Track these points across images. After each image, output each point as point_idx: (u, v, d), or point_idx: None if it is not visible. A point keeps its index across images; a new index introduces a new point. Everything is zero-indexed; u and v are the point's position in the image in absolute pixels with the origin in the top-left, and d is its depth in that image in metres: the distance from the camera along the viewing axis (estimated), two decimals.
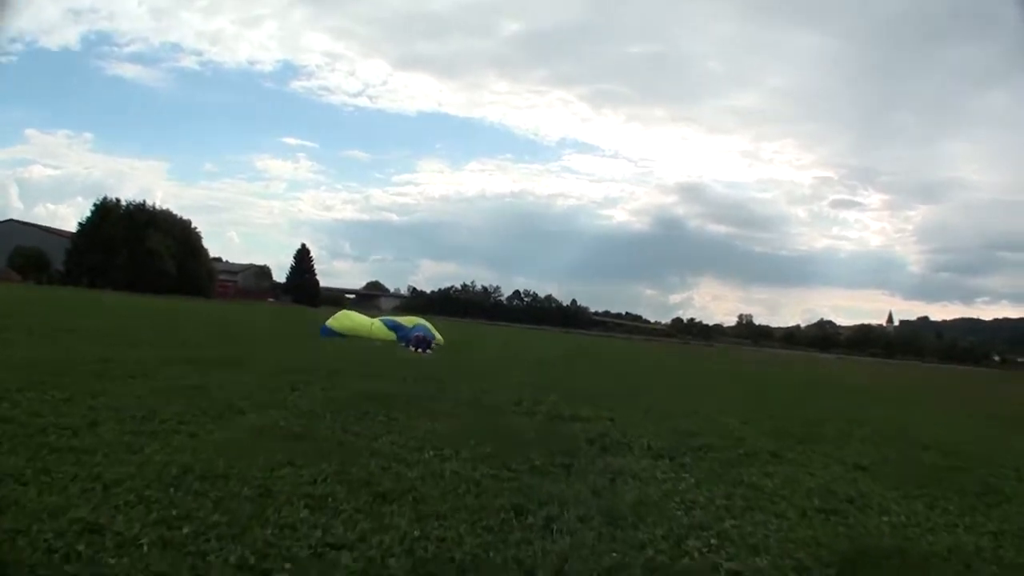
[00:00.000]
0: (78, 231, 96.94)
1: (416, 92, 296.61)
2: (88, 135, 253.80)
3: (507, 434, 10.83)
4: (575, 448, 10.17)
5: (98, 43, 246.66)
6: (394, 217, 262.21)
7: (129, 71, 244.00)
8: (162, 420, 9.25)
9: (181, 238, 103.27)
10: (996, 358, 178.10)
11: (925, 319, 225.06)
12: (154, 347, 19.38)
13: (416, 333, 31.84)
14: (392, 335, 32.77)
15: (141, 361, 15.37)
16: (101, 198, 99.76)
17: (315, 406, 11.62)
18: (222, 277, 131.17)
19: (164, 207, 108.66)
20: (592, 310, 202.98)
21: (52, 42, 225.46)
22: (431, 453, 8.91)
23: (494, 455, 9.06)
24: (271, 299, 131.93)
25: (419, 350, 28.78)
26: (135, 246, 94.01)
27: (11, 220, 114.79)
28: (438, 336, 33.04)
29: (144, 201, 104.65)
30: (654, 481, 8.70)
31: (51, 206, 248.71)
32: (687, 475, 9.21)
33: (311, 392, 13.54)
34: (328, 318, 36.01)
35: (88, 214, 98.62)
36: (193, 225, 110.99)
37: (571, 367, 30.12)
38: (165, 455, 7.48)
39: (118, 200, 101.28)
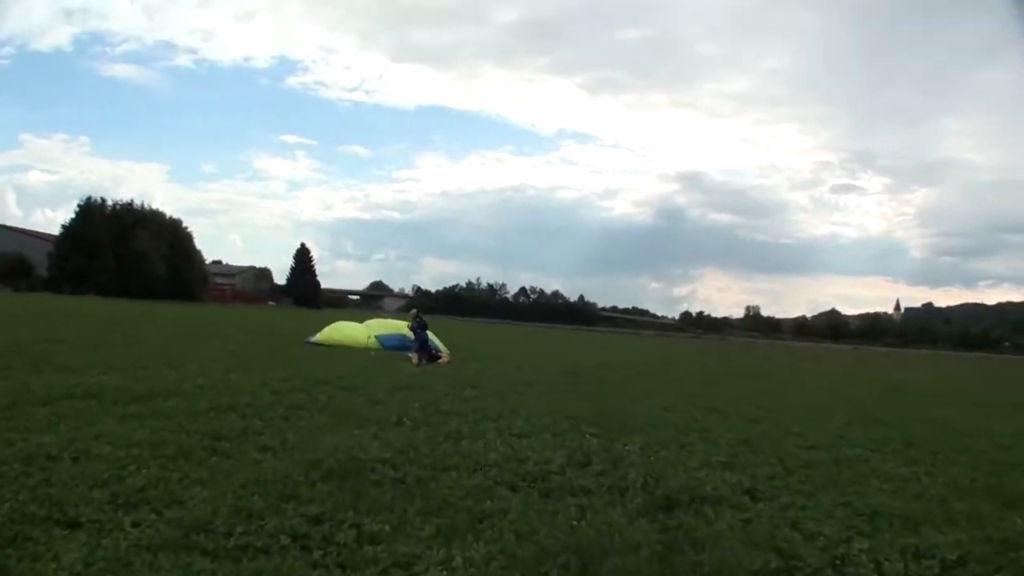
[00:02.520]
0: (61, 234, 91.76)
1: (413, 85, 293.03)
2: (84, 138, 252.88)
3: None
4: None
5: (91, 43, 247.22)
6: (395, 215, 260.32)
7: (123, 71, 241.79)
8: None
9: (172, 239, 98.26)
10: (1007, 344, 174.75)
11: (929, 305, 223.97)
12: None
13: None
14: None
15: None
16: (85, 198, 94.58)
17: None
18: (219, 280, 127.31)
19: (163, 210, 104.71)
20: (599, 306, 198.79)
21: (44, 43, 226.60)
22: None
23: None
24: (271, 302, 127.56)
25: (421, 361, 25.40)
26: (121, 248, 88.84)
27: None
28: (442, 347, 28.95)
29: (132, 201, 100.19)
30: None
31: (50, 212, 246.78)
32: None
33: None
34: (323, 323, 33.82)
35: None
36: (184, 225, 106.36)
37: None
38: None
39: (103, 200, 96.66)
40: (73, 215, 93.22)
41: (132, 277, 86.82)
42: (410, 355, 25.95)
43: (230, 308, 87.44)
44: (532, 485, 8.68)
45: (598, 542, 6.71)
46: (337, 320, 35.02)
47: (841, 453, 12.38)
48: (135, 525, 6.39)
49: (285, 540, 6.28)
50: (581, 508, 7.82)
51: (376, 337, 30.53)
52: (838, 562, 6.80)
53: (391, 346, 29.59)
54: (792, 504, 8.61)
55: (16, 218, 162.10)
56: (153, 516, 6.62)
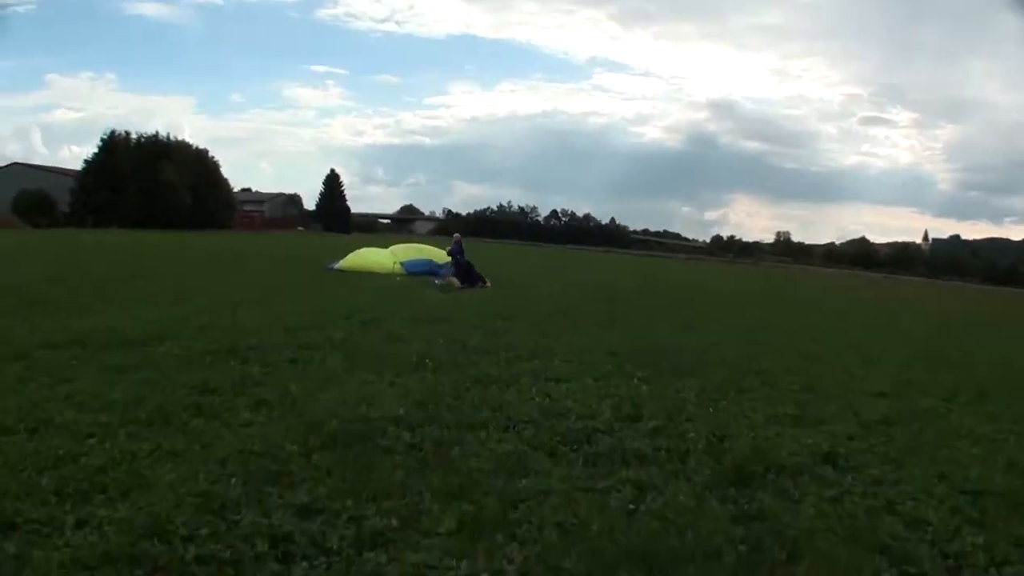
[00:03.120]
0: (83, 169, 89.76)
1: (443, 15, 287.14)
2: (111, 75, 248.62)
3: None
4: None
5: None
6: (426, 140, 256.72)
7: (150, 9, 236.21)
8: None
9: (198, 169, 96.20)
10: None
11: (956, 237, 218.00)
12: None
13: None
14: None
15: None
16: (109, 132, 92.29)
17: None
18: (248, 207, 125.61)
19: (190, 141, 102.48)
20: (631, 228, 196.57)
21: None
22: None
23: None
24: (300, 227, 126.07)
25: (465, 285, 25.01)
26: (146, 180, 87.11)
27: (15, 163, 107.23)
28: None
29: (156, 133, 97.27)
30: None
31: (76, 148, 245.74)
32: None
33: None
34: (351, 248, 32.76)
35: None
36: (211, 155, 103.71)
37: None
38: None
39: (128, 133, 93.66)
40: (96, 150, 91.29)
41: (157, 208, 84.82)
42: (448, 279, 25.00)
43: (257, 235, 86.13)
44: (575, 450, 7.17)
45: (666, 543, 5.21)
46: (364, 245, 33.76)
47: (916, 404, 10.78)
48: (79, 525, 4.92)
49: (262, 545, 4.78)
50: (637, 485, 6.33)
51: (401, 263, 29.14)
52: (951, 561, 5.35)
53: (417, 271, 28.27)
54: (882, 477, 7.06)
55: (42, 156, 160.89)
56: (103, 511, 5.13)
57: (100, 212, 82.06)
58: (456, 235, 28.41)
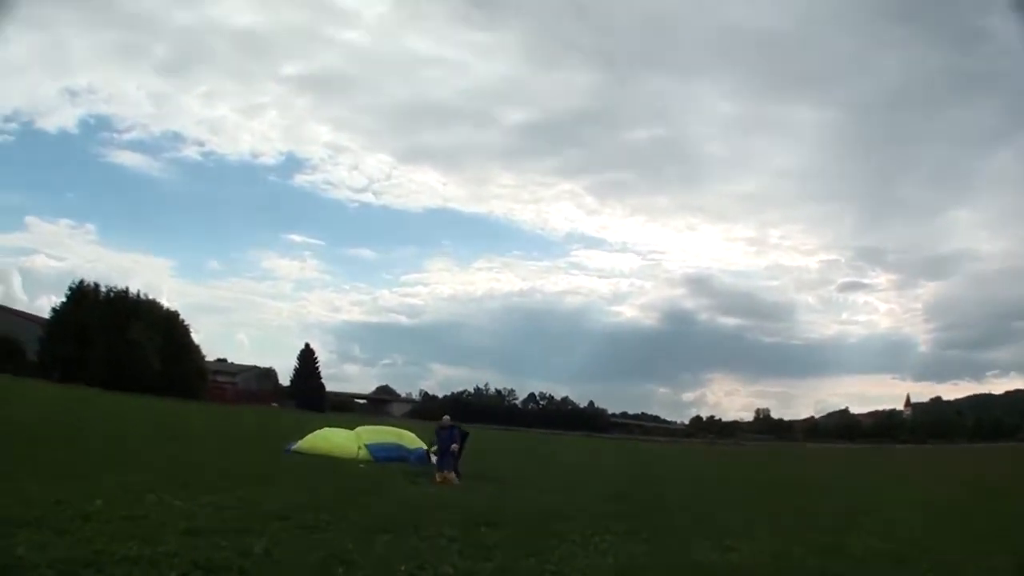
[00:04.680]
0: (51, 318, 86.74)
1: (421, 187, 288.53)
2: (90, 226, 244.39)
3: None
4: None
5: (97, 128, 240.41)
6: (403, 319, 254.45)
7: (130, 159, 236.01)
8: None
9: (167, 332, 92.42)
10: None
11: (938, 399, 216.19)
12: None
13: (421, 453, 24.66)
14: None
15: None
16: (78, 282, 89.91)
17: None
18: (221, 379, 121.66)
19: (168, 304, 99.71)
20: (609, 411, 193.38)
21: (50, 124, 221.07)
22: None
23: None
24: (274, 404, 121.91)
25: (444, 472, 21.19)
26: (114, 337, 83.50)
27: None
28: None
29: (127, 288, 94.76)
30: None
31: (55, 298, 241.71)
32: None
33: None
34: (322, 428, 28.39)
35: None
36: (181, 318, 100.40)
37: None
38: None
39: (97, 285, 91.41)
40: (64, 299, 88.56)
41: (125, 368, 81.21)
42: (446, 475, 20.78)
43: (228, 408, 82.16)
44: None
45: None
46: (341, 424, 30.18)
47: None
48: None
49: None
50: None
51: (367, 446, 25.50)
52: None
53: (384, 457, 24.72)
54: None
55: (23, 302, 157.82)
56: None
57: (68, 365, 78.38)
58: (445, 417, 23.38)
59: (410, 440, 26.17)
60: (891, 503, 23.64)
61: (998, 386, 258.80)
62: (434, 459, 23.50)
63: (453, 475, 20.77)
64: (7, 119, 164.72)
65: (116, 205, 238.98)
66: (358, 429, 27.29)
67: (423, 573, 8.92)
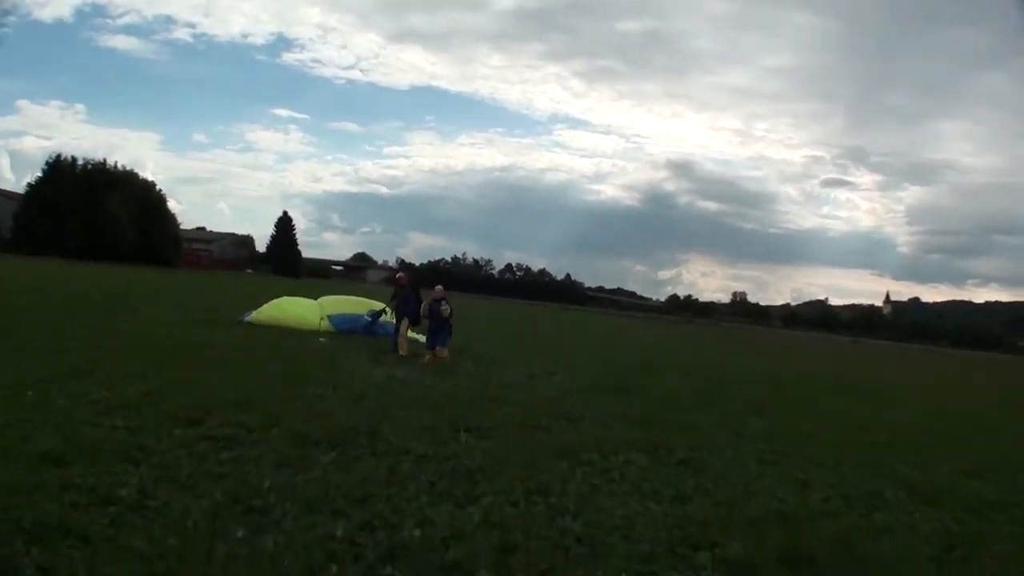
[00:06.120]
0: (27, 193, 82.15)
1: (408, 66, 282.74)
2: (80, 106, 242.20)
3: None
4: None
5: (92, 15, 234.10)
6: (383, 190, 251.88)
7: (122, 43, 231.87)
8: None
9: (144, 203, 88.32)
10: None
11: (916, 300, 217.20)
12: None
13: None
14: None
15: None
16: (54, 156, 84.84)
17: None
18: (198, 246, 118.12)
19: (153, 178, 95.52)
20: (585, 285, 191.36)
21: (47, 14, 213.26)
22: None
23: None
24: (249, 270, 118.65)
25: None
26: (89, 210, 79.61)
27: None
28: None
29: (104, 160, 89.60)
30: None
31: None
32: None
33: None
34: (299, 294, 26.98)
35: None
36: (158, 188, 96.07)
37: None
38: None
39: (74, 159, 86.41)
40: (40, 174, 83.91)
41: (100, 240, 77.79)
42: (438, 352, 17.77)
43: (201, 274, 78.99)
44: None
45: None
46: (321, 292, 27.97)
47: None
48: None
49: None
50: None
51: (329, 317, 22.48)
52: None
53: (347, 330, 21.91)
54: None
55: (9, 183, 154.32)
56: None
57: (41, 239, 74.55)
58: (438, 287, 19.19)
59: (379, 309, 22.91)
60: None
61: (978, 295, 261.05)
62: (383, 319, 21.58)
63: (446, 352, 17.81)
64: (5, 12, 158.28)
65: (107, 86, 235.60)
66: (321, 299, 24.12)
67: (377, 534, 5.78)
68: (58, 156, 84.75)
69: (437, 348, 17.70)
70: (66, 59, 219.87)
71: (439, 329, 18.04)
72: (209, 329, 19.51)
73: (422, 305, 18.64)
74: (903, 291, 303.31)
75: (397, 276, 21.55)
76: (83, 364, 11.66)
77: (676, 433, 11.27)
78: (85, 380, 10.47)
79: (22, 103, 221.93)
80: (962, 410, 22.72)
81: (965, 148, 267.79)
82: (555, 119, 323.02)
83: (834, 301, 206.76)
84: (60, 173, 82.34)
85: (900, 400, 23.16)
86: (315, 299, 24.27)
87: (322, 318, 22.15)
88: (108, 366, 11.75)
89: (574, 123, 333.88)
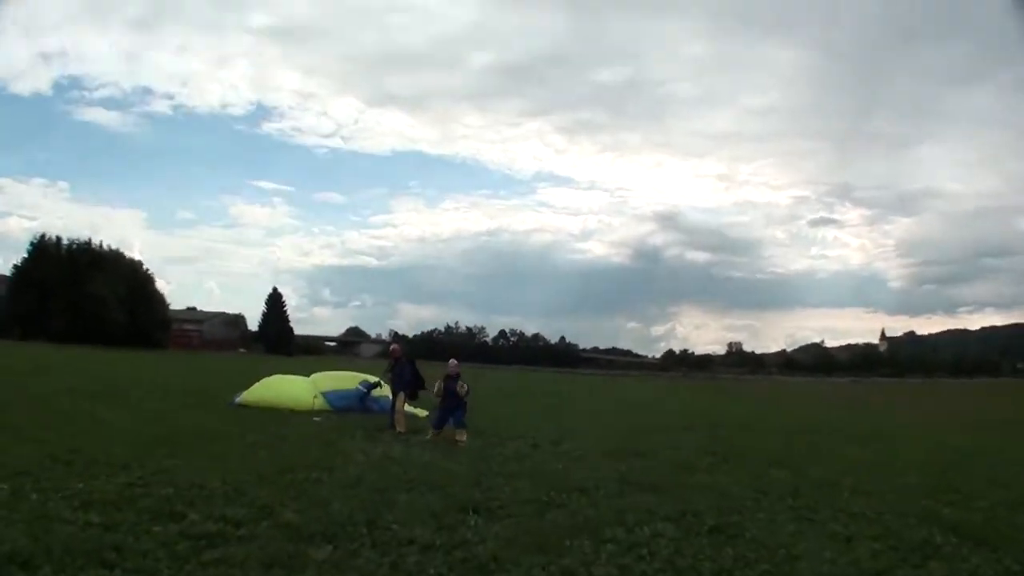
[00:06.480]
0: (12, 275, 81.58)
1: (388, 130, 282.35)
2: (63, 184, 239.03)
3: None
4: None
5: (69, 87, 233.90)
6: (372, 261, 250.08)
7: (101, 116, 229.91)
8: None
9: (130, 282, 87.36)
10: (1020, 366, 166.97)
11: (912, 334, 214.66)
12: None
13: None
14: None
15: None
16: (39, 236, 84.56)
17: None
18: (188, 327, 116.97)
19: (141, 258, 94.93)
20: (580, 347, 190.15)
21: (24, 88, 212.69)
22: None
23: None
24: (242, 349, 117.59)
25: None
26: (75, 291, 78.66)
27: None
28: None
29: (89, 239, 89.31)
30: None
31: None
32: None
33: None
34: (309, 370, 25.38)
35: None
36: (145, 267, 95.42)
37: None
38: None
39: (59, 238, 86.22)
40: (25, 255, 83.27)
41: (87, 322, 76.82)
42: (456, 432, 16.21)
43: (191, 355, 77.87)
44: None
45: None
46: (313, 368, 26.65)
47: None
48: None
49: None
50: None
51: (324, 395, 21.48)
52: None
53: (343, 408, 20.84)
54: None
55: None
56: None
57: (28, 322, 73.64)
58: (453, 361, 17.81)
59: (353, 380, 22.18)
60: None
61: (973, 321, 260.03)
62: (375, 393, 20.77)
63: (464, 435, 16.10)
64: None
65: (88, 162, 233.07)
66: (314, 376, 23.06)
67: None
68: (42, 236, 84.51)
69: (457, 431, 16.12)
70: (46, 134, 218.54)
71: (455, 408, 16.47)
72: (197, 413, 18.50)
73: (436, 384, 16.78)
74: (898, 326, 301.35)
75: (391, 348, 20.61)
76: (62, 453, 10.91)
77: (699, 497, 10.59)
78: (62, 471, 9.78)
79: (4, 181, 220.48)
80: (979, 442, 22.18)
81: (951, 173, 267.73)
82: (538, 177, 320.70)
83: (830, 343, 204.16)
84: (45, 254, 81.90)
85: (915, 439, 22.52)
86: (307, 376, 23.37)
87: (315, 396, 21.23)
88: (88, 455, 10.96)
89: (557, 180, 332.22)
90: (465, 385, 16.59)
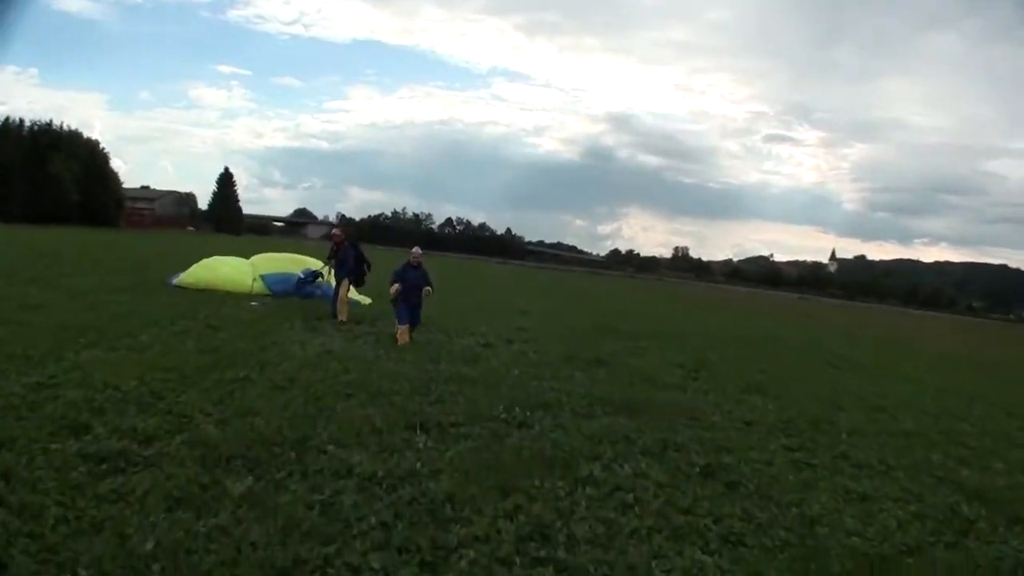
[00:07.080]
0: None
1: (350, 19, 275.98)
2: (33, 70, 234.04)
3: None
4: None
5: None
6: (324, 144, 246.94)
7: (75, 5, 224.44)
8: None
9: (87, 162, 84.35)
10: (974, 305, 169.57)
11: (862, 258, 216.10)
12: None
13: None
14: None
15: None
16: (2, 119, 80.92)
17: None
18: (140, 205, 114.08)
19: (101, 138, 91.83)
20: (526, 239, 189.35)
21: None
22: None
23: None
24: (190, 228, 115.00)
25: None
26: (35, 172, 76.17)
27: None
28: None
29: (51, 121, 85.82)
30: None
31: None
32: None
33: None
34: (241, 251, 24.83)
35: None
36: (101, 146, 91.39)
37: None
38: None
39: (21, 121, 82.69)
40: None
41: (45, 203, 74.33)
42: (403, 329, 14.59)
43: (141, 234, 75.87)
44: None
45: None
46: (259, 249, 25.97)
47: None
48: None
49: None
50: None
51: (263, 277, 20.46)
52: None
53: (282, 291, 19.91)
54: None
55: None
56: None
57: None
58: (416, 249, 15.89)
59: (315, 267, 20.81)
60: None
61: (927, 254, 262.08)
62: (320, 280, 19.64)
63: (407, 333, 14.57)
64: None
65: (59, 49, 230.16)
66: (254, 258, 21.94)
67: None
68: (6, 119, 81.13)
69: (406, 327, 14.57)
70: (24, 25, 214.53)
71: (419, 303, 15.09)
72: (132, 297, 16.99)
73: (393, 288, 14.63)
74: (849, 248, 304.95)
75: (332, 233, 19.11)
76: None
77: (677, 423, 9.73)
78: None
79: None
80: (964, 384, 20.51)
81: (913, 108, 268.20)
82: (495, 72, 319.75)
83: (778, 257, 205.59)
84: (7, 136, 78.90)
85: (891, 373, 20.91)
86: (249, 257, 22.18)
87: (255, 279, 20.15)
88: (8, 350, 9.71)
89: (513, 76, 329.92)
90: (430, 288, 15.16)
